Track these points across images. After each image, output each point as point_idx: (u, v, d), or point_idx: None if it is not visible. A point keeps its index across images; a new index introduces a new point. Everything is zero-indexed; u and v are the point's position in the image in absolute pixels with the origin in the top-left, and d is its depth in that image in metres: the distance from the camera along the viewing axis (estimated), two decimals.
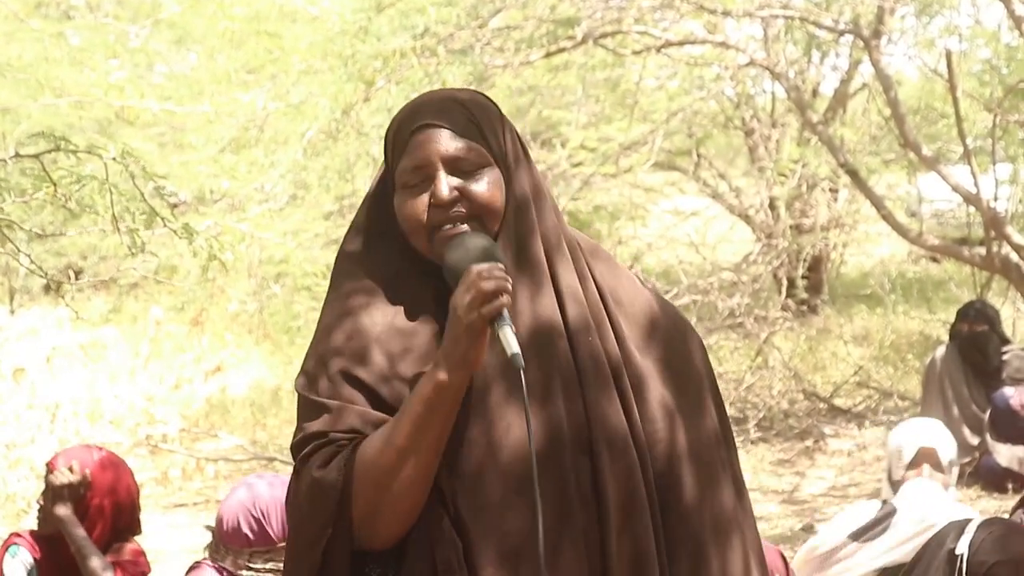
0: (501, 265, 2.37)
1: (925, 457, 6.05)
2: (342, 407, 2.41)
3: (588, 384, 2.43)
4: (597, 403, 2.42)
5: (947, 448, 6.15)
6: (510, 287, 2.35)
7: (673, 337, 2.58)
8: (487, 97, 2.55)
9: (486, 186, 2.45)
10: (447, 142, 2.45)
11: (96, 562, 4.93)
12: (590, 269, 2.54)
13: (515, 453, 2.37)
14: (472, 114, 2.48)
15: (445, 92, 2.59)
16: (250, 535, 4.34)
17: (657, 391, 2.50)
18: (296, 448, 2.44)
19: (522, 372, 2.29)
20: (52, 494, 5.01)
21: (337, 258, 2.56)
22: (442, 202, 2.43)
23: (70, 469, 5.02)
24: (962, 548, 4.06)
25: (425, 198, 2.44)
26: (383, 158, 2.57)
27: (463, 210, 2.44)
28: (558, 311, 2.45)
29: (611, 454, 2.40)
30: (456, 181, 2.44)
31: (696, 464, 2.50)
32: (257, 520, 4.34)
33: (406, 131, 2.48)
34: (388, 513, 2.36)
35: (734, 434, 2.71)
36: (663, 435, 2.47)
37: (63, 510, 4.99)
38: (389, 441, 2.35)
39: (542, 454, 2.36)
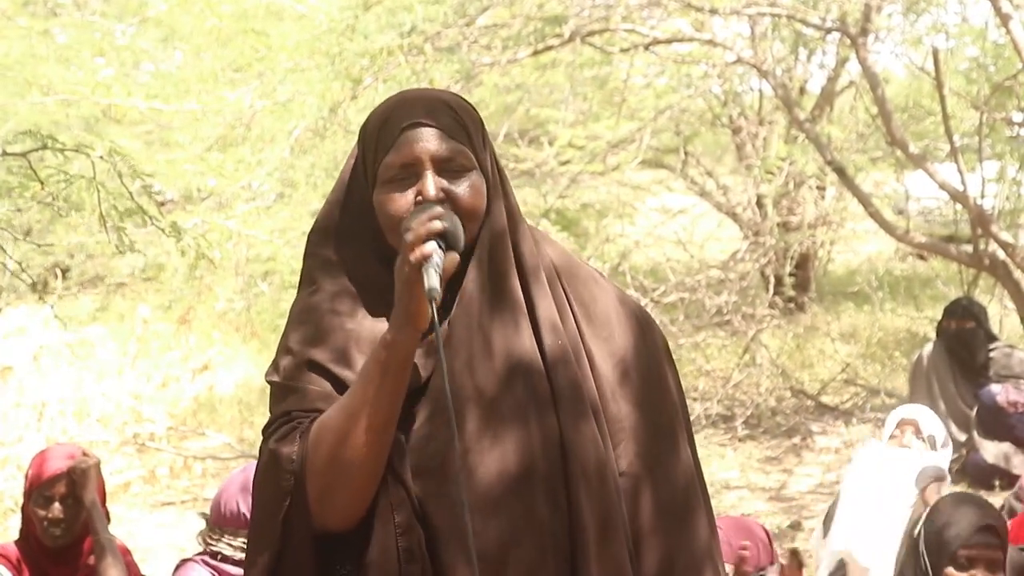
0: (436, 210, 2.35)
1: (905, 426, 6.20)
2: (307, 389, 2.43)
3: (565, 410, 2.42)
4: (574, 428, 2.42)
5: (930, 422, 6.24)
6: (439, 225, 2.32)
7: (649, 367, 2.56)
8: (471, 105, 2.54)
9: (470, 190, 2.44)
10: (437, 142, 2.43)
11: (112, 560, 4.84)
12: (567, 295, 2.53)
13: (492, 471, 2.37)
14: (460, 117, 2.48)
15: (432, 92, 2.57)
16: (248, 514, 4.36)
17: (627, 449, 2.49)
18: (264, 432, 2.48)
19: (434, 306, 2.27)
20: (82, 480, 4.82)
21: (307, 251, 2.54)
22: (429, 200, 2.41)
23: (84, 454, 4.89)
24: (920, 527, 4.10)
25: (410, 195, 2.42)
26: (360, 151, 2.52)
27: None
28: (535, 343, 2.44)
29: (587, 481, 2.40)
30: (442, 182, 2.43)
31: (660, 531, 2.49)
32: None
33: (395, 127, 2.45)
34: (342, 483, 2.35)
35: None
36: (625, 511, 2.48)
37: (91, 495, 4.84)
38: (341, 406, 2.37)
39: (516, 479, 2.38)
